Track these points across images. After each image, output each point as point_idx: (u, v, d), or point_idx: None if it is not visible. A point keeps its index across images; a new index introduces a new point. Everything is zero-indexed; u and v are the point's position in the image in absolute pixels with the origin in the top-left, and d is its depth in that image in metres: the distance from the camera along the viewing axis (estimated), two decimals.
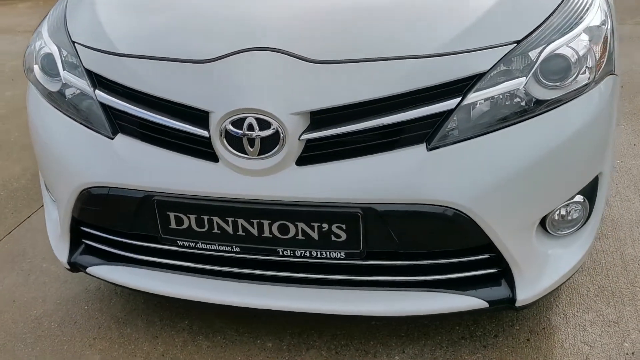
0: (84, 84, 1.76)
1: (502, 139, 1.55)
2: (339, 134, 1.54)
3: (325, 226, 1.57)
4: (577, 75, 1.61)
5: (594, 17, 1.71)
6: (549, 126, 1.58)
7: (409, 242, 1.59)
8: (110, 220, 1.77)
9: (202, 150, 1.60)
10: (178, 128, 1.61)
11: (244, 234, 1.62)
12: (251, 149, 1.54)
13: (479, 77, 1.55)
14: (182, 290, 1.78)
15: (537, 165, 1.56)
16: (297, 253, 1.62)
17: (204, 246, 1.67)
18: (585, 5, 1.72)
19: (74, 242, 1.90)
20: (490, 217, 1.55)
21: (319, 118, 1.55)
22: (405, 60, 1.54)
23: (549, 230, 1.73)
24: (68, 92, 1.82)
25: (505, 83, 1.56)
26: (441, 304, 1.67)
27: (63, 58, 1.84)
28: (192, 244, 1.68)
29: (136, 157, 1.67)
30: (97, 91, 1.73)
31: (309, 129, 1.54)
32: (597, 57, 1.66)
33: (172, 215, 1.64)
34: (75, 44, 1.82)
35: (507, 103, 1.57)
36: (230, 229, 1.62)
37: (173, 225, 1.66)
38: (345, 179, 1.54)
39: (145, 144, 1.67)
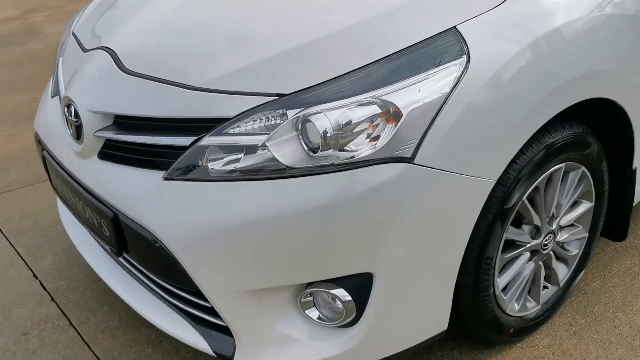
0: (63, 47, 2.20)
1: (224, 191, 1.46)
2: (119, 140, 1.66)
3: (98, 218, 1.72)
4: (329, 149, 1.38)
5: (420, 87, 1.39)
6: (279, 194, 1.41)
7: (141, 259, 1.63)
8: None
9: None
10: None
11: (73, 203, 1.88)
12: (71, 132, 1.78)
13: (223, 121, 1.46)
14: (71, 234, 2.15)
15: (248, 229, 1.43)
16: (92, 234, 1.82)
17: (65, 203, 1.99)
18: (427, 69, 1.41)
19: None
20: (194, 267, 1.49)
21: (119, 122, 1.68)
22: (173, 87, 1.56)
23: (302, 308, 1.54)
24: None
25: (248, 136, 1.44)
26: (176, 330, 1.69)
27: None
28: (61, 199, 2.01)
29: (49, 112, 2.05)
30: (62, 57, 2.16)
31: (105, 129, 1.69)
32: (374, 134, 1.37)
33: (50, 168, 2.00)
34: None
35: (246, 157, 1.44)
36: (67, 195, 1.90)
37: (53, 177, 2.01)
38: (113, 181, 1.66)
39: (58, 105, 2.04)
